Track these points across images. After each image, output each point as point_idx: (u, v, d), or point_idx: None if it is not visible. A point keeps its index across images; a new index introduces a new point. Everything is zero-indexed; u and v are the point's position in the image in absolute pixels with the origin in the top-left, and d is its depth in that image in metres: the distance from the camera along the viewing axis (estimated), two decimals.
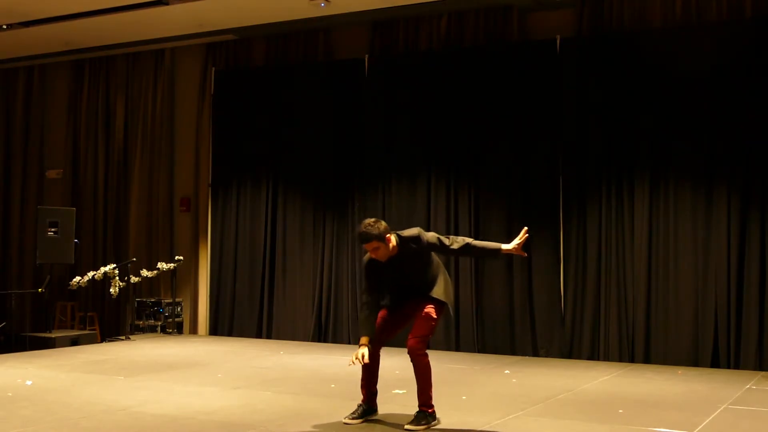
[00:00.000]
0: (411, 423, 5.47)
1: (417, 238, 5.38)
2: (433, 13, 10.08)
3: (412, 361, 5.48)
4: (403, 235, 5.42)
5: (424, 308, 5.46)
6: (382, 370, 8.06)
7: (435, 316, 5.47)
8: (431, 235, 5.43)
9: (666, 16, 9.02)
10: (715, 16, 8.77)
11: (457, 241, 5.40)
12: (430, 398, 5.53)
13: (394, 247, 5.36)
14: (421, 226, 10.04)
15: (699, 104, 8.70)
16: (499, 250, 5.37)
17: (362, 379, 5.65)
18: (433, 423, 5.51)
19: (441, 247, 5.42)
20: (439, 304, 5.50)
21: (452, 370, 8.16)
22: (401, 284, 5.58)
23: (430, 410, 5.53)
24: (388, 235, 5.32)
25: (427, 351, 5.53)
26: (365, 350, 5.33)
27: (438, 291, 5.48)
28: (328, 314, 10.57)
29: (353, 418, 5.60)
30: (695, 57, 8.70)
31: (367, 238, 5.30)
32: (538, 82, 9.50)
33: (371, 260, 5.47)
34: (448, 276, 5.65)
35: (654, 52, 8.91)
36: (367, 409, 5.67)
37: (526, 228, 5.42)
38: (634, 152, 8.99)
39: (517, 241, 5.34)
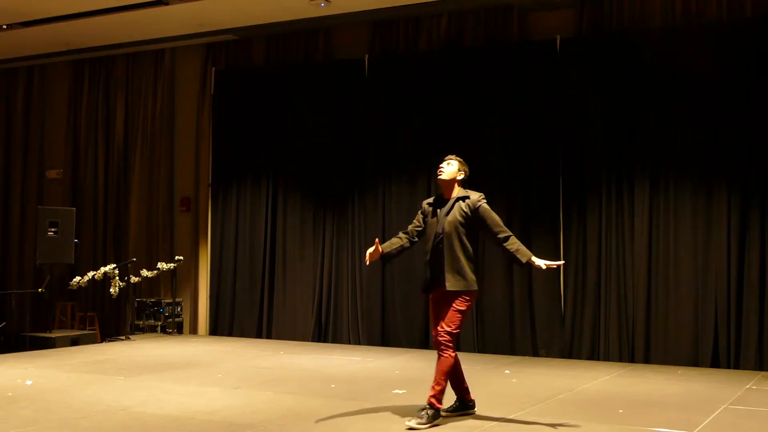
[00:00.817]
0: (413, 419, 5.53)
1: (478, 196, 5.64)
2: (433, 13, 10.07)
3: (437, 353, 5.62)
4: (468, 189, 5.74)
5: (452, 301, 5.56)
6: (382, 371, 8.09)
7: (464, 309, 5.59)
8: (488, 206, 5.63)
9: (666, 16, 9.02)
10: (715, 16, 8.77)
11: (505, 229, 5.62)
12: (442, 393, 5.58)
13: (456, 184, 5.70)
14: None
15: (699, 104, 8.70)
16: (529, 259, 5.53)
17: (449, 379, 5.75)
18: (437, 421, 5.57)
19: (488, 219, 5.59)
20: (465, 295, 5.59)
21: None
22: (436, 245, 5.63)
23: (438, 405, 5.58)
24: (463, 171, 5.74)
25: (446, 350, 5.63)
26: (371, 249, 5.82)
27: (460, 278, 5.55)
28: (328, 314, 10.57)
29: (448, 411, 5.77)
30: (695, 57, 8.70)
31: (455, 157, 5.78)
32: (538, 82, 9.49)
33: (430, 201, 5.80)
34: (473, 265, 5.68)
35: (654, 52, 8.91)
36: (460, 405, 5.83)
37: (563, 263, 5.65)
38: (634, 152, 8.99)
39: (549, 263, 5.56)
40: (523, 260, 5.52)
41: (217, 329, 11.32)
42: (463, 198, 5.64)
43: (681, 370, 8.15)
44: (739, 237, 8.45)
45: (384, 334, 10.17)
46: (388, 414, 5.92)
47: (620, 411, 6.08)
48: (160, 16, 10.46)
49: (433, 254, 5.65)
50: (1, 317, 11.36)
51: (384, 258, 5.88)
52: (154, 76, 12.10)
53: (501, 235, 5.58)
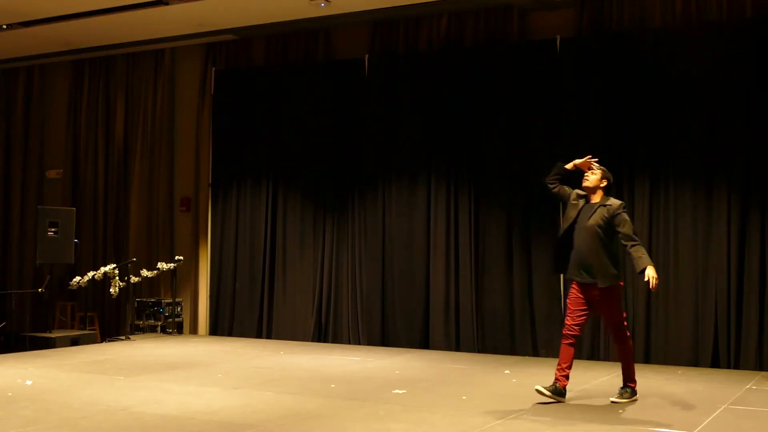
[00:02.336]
0: (616, 395, 6.35)
1: (618, 205, 6.26)
2: (433, 13, 10.08)
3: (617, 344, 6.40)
4: (610, 196, 6.43)
5: (605, 301, 6.23)
6: (382, 371, 8.10)
7: (617, 303, 6.29)
8: (626, 216, 6.25)
9: (666, 16, 9.02)
10: (715, 16, 8.77)
11: (634, 238, 6.17)
12: (633, 375, 6.36)
13: (599, 191, 6.35)
14: (421, 226, 10.14)
15: (699, 104, 8.70)
16: (644, 268, 6.04)
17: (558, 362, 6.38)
18: (634, 398, 6.35)
19: (620, 227, 6.16)
20: (613, 290, 6.22)
21: (452, 370, 8.16)
22: (580, 242, 6.27)
23: (633, 385, 6.37)
24: (606, 179, 6.40)
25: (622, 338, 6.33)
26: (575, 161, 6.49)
27: (608, 275, 6.18)
28: (328, 314, 10.57)
29: (547, 389, 6.30)
30: (695, 57, 8.70)
31: (600, 166, 6.42)
32: (538, 82, 9.50)
33: (580, 194, 6.43)
34: (617, 261, 6.31)
35: (654, 52, 8.91)
36: (558, 388, 6.29)
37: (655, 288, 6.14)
38: (634, 152, 8.99)
39: (654, 279, 6.02)
40: (639, 268, 6.09)
41: (217, 329, 11.32)
42: (606, 204, 6.29)
43: (681, 370, 8.15)
44: (739, 237, 8.45)
45: (384, 334, 10.17)
46: (388, 414, 5.92)
47: (620, 411, 6.08)
48: (160, 16, 10.46)
49: (577, 250, 6.28)
50: (1, 317, 11.36)
51: (564, 171, 6.54)
52: (154, 76, 12.10)
53: (629, 242, 6.17)
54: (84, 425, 5.59)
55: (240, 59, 11.47)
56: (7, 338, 10.89)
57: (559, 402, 6.23)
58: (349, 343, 10.29)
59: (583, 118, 9.25)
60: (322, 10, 9.95)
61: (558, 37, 9.44)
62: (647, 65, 8.92)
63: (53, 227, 10.93)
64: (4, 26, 11.02)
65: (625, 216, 6.26)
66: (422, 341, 9.92)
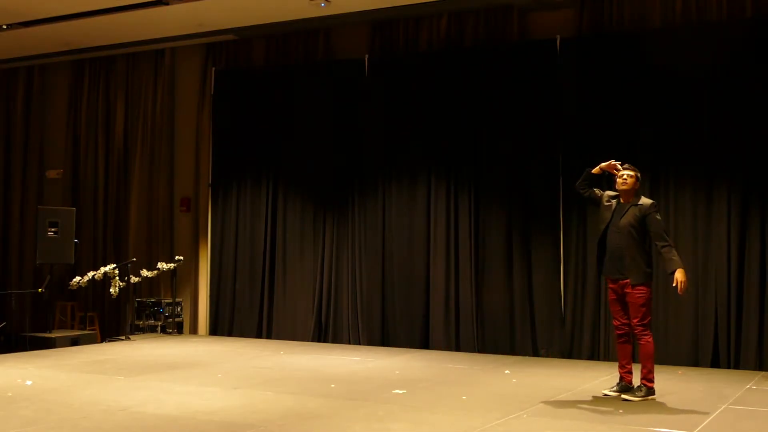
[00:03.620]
0: (628, 393, 6.46)
1: (649, 204, 6.45)
2: (433, 13, 10.08)
3: (637, 341, 6.54)
4: (642, 195, 6.61)
5: (633, 296, 6.40)
6: (382, 371, 8.10)
7: (644, 301, 6.39)
8: (658, 216, 6.47)
9: (666, 16, 9.02)
10: (715, 16, 8.77)
11: (665, 239, 6.41)
12: (650, 373, 6.44)
13: (633, 191, 6.51)
14: (421, 226, 10.15)
15: (699, 104, 8.70)
16: (673, 271, 6.31)
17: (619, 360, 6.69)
18: (650, 397, 6.41)
19: (651, 228, 6.38)
20: (643, 288, 6.38)
21: (452, 370, 8.16)
22: (613, 240, 6.50)
23: (649, 384, 6.44)
24: (639, 181, 6.59)
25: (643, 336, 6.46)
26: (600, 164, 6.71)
27: (638, 273, 6.37)
28: (328, 314, 10.57)
29: (612, 390, 6.62)
30: (695, 57, 8.70)
31: (632, 167, 6.60)
32: (538, 82, 9.50)
33: (612, 195, 6.65)
34: (649, 260, 6.49)
35: (654, 52, 8.91)
36: (625, 385, 6.59)
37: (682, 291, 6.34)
38: (634, 152, 8.96)
39: (681, 284, 6.30)
40: (670, 270, 6.35)
41: (217, 329, 11.32)
42: (638, 204, 6.49)
43: (681, 370, 8.15)
44: (739, 237, 8.45)
45: (384, 334, 10.17)
46: (388, 414, 5.92)
47: (620, 411, 6.08)
48: (160, 16, 10.46)
49: (610, 248, 6.53)
50: (1, 317, 11.36)
51: (592, 176, 6.80)
52: (154, 76, 12.10)
53: (660, 243, 6.41)
54: (84, 425, 5.59)
55: (240, 59, 11.47)
56: (7, 338, 10.89)
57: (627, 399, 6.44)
58: (349, 343, 10.29)
59: (583, 117, 9.25)
60: (322, 10, 9.96)
61: (558, 37, 9.44)
62: (647, 65, 8.92)
63: (53, 227, 10.93)
64: (4, 26, 11.02)
65: (657, 216, 6.46)
66: (422, 341, 9.92)
